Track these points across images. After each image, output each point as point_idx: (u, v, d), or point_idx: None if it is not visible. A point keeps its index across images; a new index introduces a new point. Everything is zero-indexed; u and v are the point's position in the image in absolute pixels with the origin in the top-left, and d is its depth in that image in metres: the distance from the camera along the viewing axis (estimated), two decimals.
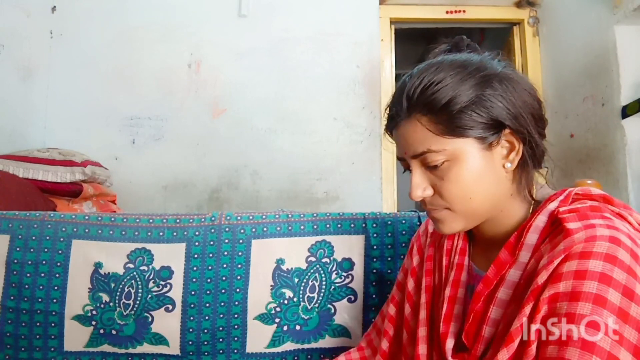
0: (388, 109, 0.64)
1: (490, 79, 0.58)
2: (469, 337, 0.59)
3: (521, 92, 0.59)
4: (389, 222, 1.01)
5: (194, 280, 0.98)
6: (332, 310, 0.98)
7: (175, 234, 1.01)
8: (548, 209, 0.58)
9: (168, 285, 0.98)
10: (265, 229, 1.01)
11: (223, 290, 0.98)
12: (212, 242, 1.00)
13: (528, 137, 0.59)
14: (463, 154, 0.58)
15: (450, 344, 0.62)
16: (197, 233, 1.00)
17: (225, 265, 0.99)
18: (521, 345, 0.52)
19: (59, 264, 0.99)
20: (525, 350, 0.51)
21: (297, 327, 0.98)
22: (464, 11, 2.29)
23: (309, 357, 0.97)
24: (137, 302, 0.98)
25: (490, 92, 0.58)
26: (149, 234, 1.01)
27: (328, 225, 1.01)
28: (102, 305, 0.98)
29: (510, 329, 0.53)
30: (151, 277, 0.99)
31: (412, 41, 2.60)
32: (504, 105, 0.58)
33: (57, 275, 0.99)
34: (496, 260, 0.59)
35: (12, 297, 0.98)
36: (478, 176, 0.59)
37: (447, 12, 2.28)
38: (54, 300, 0.98)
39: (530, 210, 0.63)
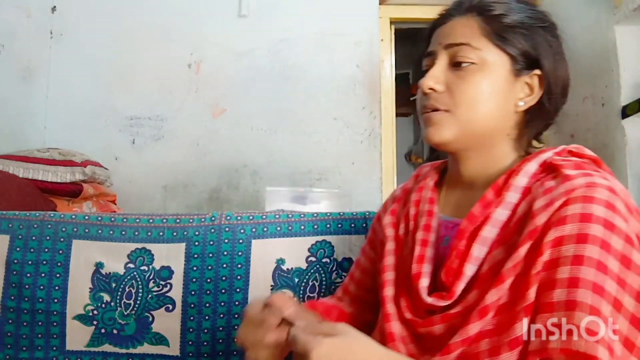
0: (445, 9, 0.67)
1: (549, 26, 0.63)
2: (448, 275, 0.58)
3: (563, 56, 0.64)
4: None
5: (194, 280, 0.98)
6: None
7: (175, 233, 1.01)
8: (540, 157, 0.59)
9: (168, 285, 0.98)
10: (265, 229, 1.01)
11: (223, 290, 0.98)
12: (212, 242, 1.00)
13: (551, 92, 0.62)
14: (492, 65, 0.60)
15: (424, 282, 0.60)
16: (197, 233, 1.00)
17: (225, 265, 0.99)
18: (514, 287, 0.51)
19: (59, 264, 0.99)
20: (523, 293, 0.50)
21: None
22: None
23: None
24: (138, 302, 0.98)
25: (543, 32, 0.62)
26: (149, 233, 1.01)
27: (328, 225, 1.01)
28: (104, 305, 0.98)
29: (501, 270, 0.52)
30: (151, 277, 0.99)
31: (412, 41, 2.59)
32: (550, 51, 0.61)
33: (58, 275, 0.99)
34: (482, 199, 0.59)
35: (12, 297, 0.98)
36: (493, 92, 0.60)
37: None
38: (55, 300, 0.98)
39: (516, 161, 0.63)
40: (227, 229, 1.00)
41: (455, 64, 0.61)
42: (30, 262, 0.99)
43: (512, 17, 0.60)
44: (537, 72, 0.61)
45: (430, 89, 0.62)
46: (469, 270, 0.56)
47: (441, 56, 0.63)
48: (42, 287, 0.98)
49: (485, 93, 0.60)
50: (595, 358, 0.44)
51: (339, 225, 1.01)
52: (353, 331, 0.50)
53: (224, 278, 0.98)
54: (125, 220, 1.03)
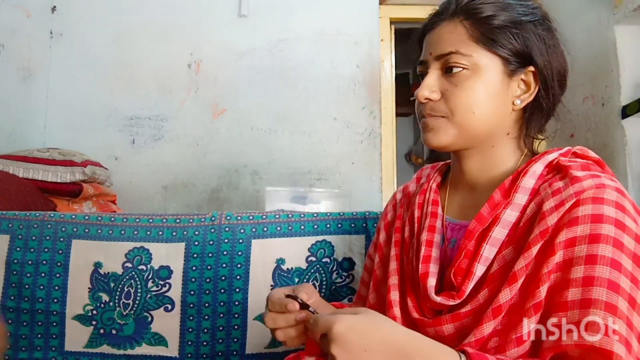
0: (433, 13, 0.66)
1: (540, 19, 0.62)
2: (458, 274, 0.58)
3: (558, 46, 0.63)
4: None
5: (193, 280, 0.98)
6: None
7: (174, 233, 1.01)
8: (546, 159, 0.60)
9: (167, 285, 0.98)
10: (265, 229, 1.01)
11: (222, 290, 0.98)
12: (211, 242, 1.00)
13: (547, 86, 0.61)
14: (485, 69, 0.60)
15: (432, 282, 0.61)
16: (196, 233, 1.00)
17: (224, 265, 0.99)
18: (525, 286, 0.52)
19: (59, 263, 0.99)
20: (533, 291, 0.51)
21: None
22: None
23: None
24: (137, 301, 0.98)
25: (534, 28, 0.61)
26: (148, 233, 1.01)
27: (328, 225, 1.01)
28: (102, 305, 0.98)
29: (512, 269, 0.53)
30: (150, 276, 0.99)
31: (412, 41, 2.60)
32: (542, 45, 0.61)
33: (58, 275, 0.99)
34: (490, 200, 0.59)
35: (12, 297, 0.98)
36: (489, 95, 0.60)
37: None
38: (55, 300, 0.98)
39: (521, 162, 0.64)
40: (227, 229, 1.00)
41: (448, 70, 0.61)
42: (30, 262, 0.99)
43: (501, 18, 0.60)
44: (532, 68, 0.61)
45: (426, 99, 0.62)
46: (479, 270, 0.57)
47: (433, 67, 0.63)
48: (41, 287, 0.98)
49: (481, 97, 0.60)
50: (611, 353, 0.45)
51: (339, 225, 1.01)
52: (374, 312, 0.51)
53: (223, 278, 0.98)
54: (125, 220, 1.03)
